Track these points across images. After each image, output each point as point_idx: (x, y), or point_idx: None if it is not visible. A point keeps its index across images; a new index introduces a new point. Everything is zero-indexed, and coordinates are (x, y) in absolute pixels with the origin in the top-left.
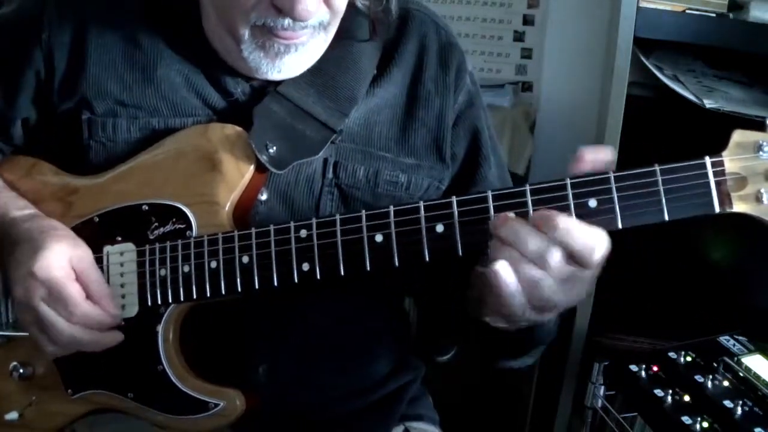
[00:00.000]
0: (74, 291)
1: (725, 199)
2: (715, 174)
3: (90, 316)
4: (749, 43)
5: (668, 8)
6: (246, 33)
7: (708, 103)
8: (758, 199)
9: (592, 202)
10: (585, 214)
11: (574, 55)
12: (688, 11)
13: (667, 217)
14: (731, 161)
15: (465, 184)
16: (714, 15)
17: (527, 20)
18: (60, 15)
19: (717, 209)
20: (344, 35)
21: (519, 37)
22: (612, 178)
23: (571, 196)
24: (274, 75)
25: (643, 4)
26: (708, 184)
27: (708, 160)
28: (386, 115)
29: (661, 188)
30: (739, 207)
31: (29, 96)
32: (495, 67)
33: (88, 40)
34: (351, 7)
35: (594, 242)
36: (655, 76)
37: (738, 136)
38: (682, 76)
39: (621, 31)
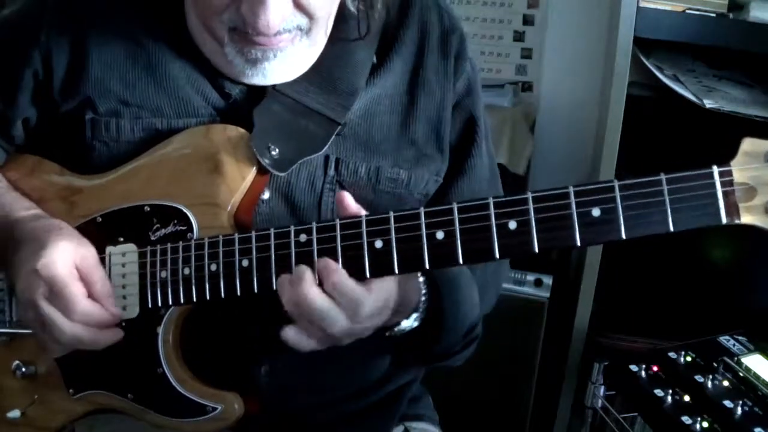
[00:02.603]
0: (76, 289)
1: (733, 210)
2: (723, 184)
3: (90, 314)
4: (749, 43)
5: (668, 8)
6: (225, 36)
7: (708, 103)
8: (767, 210)
9: (596, 211)
10: (588, 224)
11: (574, 55)
12: (688, 11)
13: (672, 228)
14: (740, 171)
15: (456, 171)
16: (714, 15)
17: (527, 20)
18: (59, 16)
19: (724, 220)
20: (337, 36)
21: (519, 37)
22: (616, 186)
23: (574, 204)
24: (260, 80)
25: (643, 4)
26: (715, 194)
27: (716, 170)
28: (387, 104)
29: (667, 198)
30: (746, 218)
31: (28, 96)
32: (495, 67)
33: (89, 40)
34: (342, 9)
35: (358, 299)
36: (655, 76)
37: (747, 145)
38: (682, 76)
39: (621, 31)
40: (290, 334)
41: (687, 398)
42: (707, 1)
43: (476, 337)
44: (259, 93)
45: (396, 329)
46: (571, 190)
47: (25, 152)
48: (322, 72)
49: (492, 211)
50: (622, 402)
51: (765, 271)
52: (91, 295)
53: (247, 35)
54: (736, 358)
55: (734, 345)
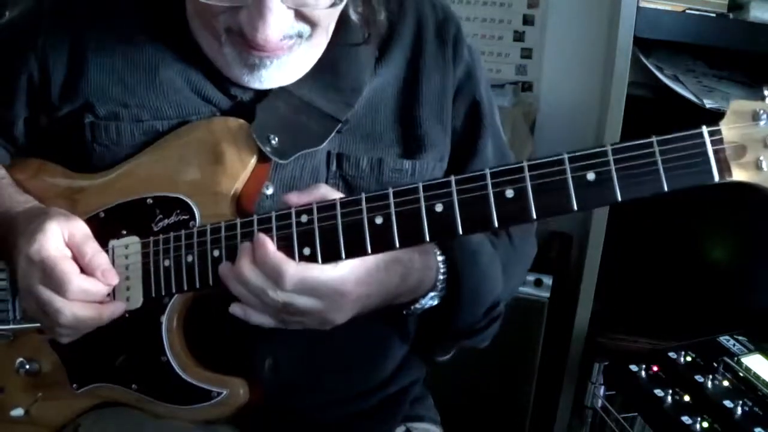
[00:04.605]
0: (66, 267)
1: (724, 167)
2: (713, 143)
3: (86, 289)
4: (749, 43)
5: (668, 8)
6: (223, 37)
7: (708, 103)
8: (758, 166)
9: (591, 175)
10: (584, 186)
11: (574, 55)
12: (688, 11)
13: (666, 188)
14: (729, 130)
15: (464, 155)
16: (714, 15)
17: (527, 20)
18: (58, 20)
19: (716, 178)
20: (339, 41)
21: (519, 37)
22: (609, 150)
23: (569, 170)
24: (258, 86)
25: (643, 4)
26: (706, 152)
27: (705, 129)
28: (389, 93)
29: (659, 158)
30: (738, 175)
31: (24, 100)
32: (495, 67)
33: (87, 44)
34: (344, 14)
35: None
36: (655, 76)
37: (735, 105)
38: (682, 76)
39: (621, 31)
40: (236, 310)
41: (687, 398)
42: (707, 1)
43: (500, 314)
44: (263, 92)
45: (413, 307)
46: (566, 156)
47: (27, 154)
48: (326, 71)
49: (489, 180)
50: (622, 402)
51: (765, 271)
52: (84, 271)
53: (244, 42)
54: (736, 358)
55: (734, 345)
